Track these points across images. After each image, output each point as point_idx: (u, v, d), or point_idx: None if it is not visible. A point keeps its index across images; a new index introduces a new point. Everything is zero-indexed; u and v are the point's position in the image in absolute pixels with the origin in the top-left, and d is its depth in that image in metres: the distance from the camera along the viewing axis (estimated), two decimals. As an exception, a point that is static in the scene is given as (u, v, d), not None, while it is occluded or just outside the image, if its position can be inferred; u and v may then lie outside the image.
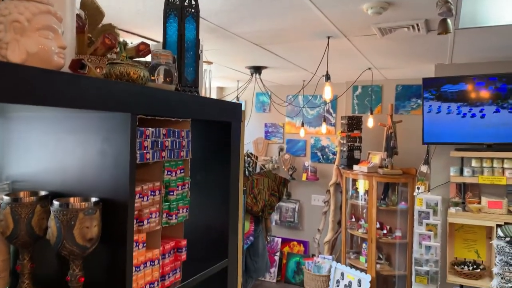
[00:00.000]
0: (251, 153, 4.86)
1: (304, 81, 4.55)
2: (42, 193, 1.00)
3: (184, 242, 1.17)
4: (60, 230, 0.88)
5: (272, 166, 5.03)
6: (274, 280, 4.91)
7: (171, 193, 1.12)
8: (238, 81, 4.88)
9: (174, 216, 1.12)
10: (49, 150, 1.06)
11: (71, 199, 0.93)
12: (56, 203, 0.89)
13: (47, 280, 1.07)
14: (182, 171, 1.16)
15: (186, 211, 1.18)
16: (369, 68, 3.83)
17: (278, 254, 5.01)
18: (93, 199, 0.93)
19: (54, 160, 1.06)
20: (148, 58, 1.21)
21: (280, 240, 5.08)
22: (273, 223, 5.14)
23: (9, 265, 1.05)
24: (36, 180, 1.09)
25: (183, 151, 1.14)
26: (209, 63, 3.10)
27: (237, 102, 2.59)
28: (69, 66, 0.91)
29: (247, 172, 4.12)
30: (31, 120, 1.09)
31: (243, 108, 1.46)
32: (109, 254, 0.98)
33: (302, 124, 4.89)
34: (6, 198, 0.96)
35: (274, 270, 4.93)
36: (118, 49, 1.13)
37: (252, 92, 4.88)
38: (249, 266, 3.80)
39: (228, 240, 1.39)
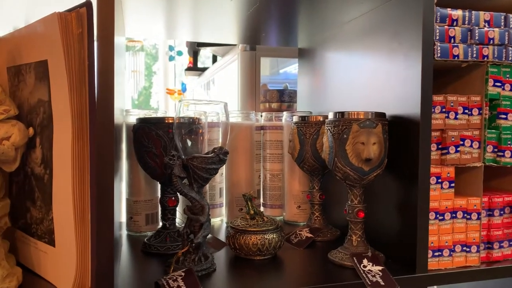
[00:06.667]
0: None
1: None
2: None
3: (530, 200, 0.74)
4: (332, 145, 0.71)
5: None
6: None
7: (503, 116, 0.72)
8: None
9: (508, 153, 0.72)
10: (343, 75, 0.92)
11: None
12: (331, 114, 0.73)
13: (337, 215, 0.93)
14: (525, 84, 0.73)
15: (535, 150, 0.74)
16: None
17: None
18: (374, 111, 0.70)
19: (345, 83, 0.90)
20: None
21: None
22: None
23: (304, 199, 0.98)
24: (332, 109, 0.97)
25: (525, 50, 0.72)
26: None
27: None
28: None
29: None
30: (327, 52, 0.99)
31: None
32: (398, 188, 0.72)
33: None
34: (295, 118, 0.89)
35: None
36: None
37: None
38: None
39: None
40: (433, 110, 0.68)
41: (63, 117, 0.58)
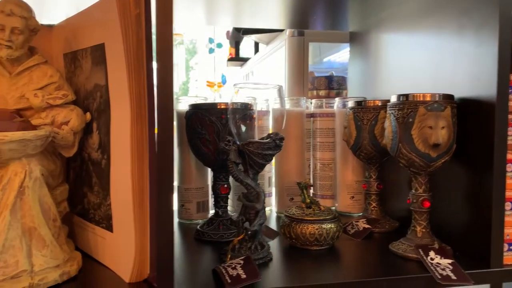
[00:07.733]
0: None
1: None
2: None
3: None
4: (395, 130, 0.67)
5: None
6: None
7: None
8: None
9: None
10: (403, 57, 0.86)
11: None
12: (393, 97, 0.69)
13: (394, 206, 0.88)
14: None
15: None
16: None
17: None
18: (442, 93, 0.65)
19: (405, 66, 0.85)
20: None
21: None
22: None
23: (361, 189, 0.94)
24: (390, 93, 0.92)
25: None
26: None
27: None
28: None
29: None
30: (386, 34, 0.94)
31: None
32: (468, 176, 0.67)
33: None
34: (350, 103, 0.85)
35: None
36: None
37: None
38: None
39: None
40: (510, 91, 0.62)
41: (121, 101, 0.57)
